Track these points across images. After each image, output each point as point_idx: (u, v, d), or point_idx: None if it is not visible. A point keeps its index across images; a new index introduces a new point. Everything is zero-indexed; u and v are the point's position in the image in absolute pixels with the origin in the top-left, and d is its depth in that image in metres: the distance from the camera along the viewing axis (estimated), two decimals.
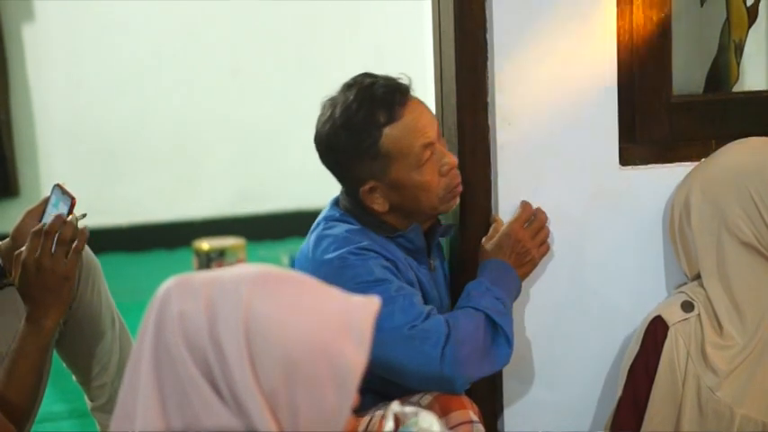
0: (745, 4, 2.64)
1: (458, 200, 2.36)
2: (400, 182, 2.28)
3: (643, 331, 2.40)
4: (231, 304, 1.31)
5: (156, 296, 1.36)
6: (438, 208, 2.34)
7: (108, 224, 5.51)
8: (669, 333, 2.36)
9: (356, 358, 1.32)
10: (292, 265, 2.49)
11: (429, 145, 2.28)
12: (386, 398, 2.22)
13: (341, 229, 2.30)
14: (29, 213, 2.34)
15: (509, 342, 2.27)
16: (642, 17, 2.51)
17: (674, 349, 2.36)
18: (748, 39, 2.66)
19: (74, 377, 2.69)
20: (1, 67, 5.44)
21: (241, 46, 5.72)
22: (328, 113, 2.29)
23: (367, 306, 1.37)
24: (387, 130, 2.26)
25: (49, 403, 3.37)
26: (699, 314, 2.36)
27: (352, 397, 1.32)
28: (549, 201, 2.45)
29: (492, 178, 2.49)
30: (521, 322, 2.50)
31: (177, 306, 1.33)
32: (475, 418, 2.19)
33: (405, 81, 2.31)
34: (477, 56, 2.45)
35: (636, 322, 2.46)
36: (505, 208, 2.45)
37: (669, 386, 2.36)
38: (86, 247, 2.55)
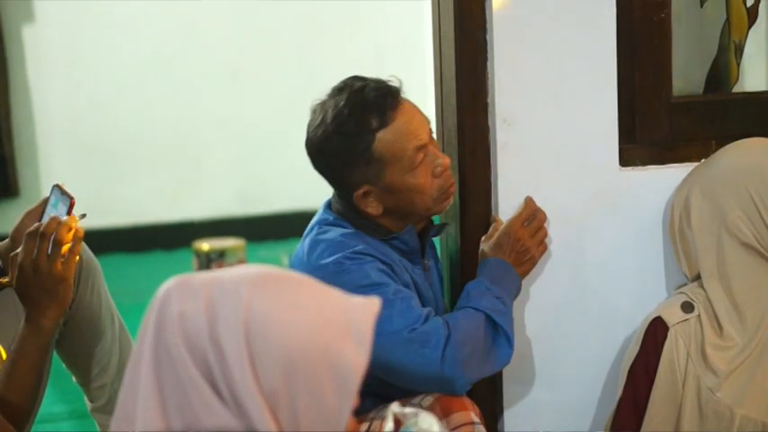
0: (745, 4, 2.64)
1: (452, 200, 2.36)
2: (394, 185, 2.27)
3: (643, 332, 2.40)
4: (231, 305, 1.31)
5: (156, 297, 1.36)
6: (432, 209, 2.34)
7: (108, 225, 5.51)
8: (669, 334, 2.36)
9: (356, 359, 1.32)
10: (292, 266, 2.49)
11: (422, 147, 2.27)
12: (386, 400, 2.21)
13: (335, 233, 2.29)
14: (28, 214, 2.34)
15: (510, 342, 2.27)
16: (642, 17, 2.50)
17: (674, 350, 2.36)
18: (748, 39, 2.66)
19: (74, 378, 2.69)
20: (1, 68, 5.45)
21: (241, 46, 5.73)
22: (319, 119, 2.27)
23: (367, 307, 1.37)
24: (379, 135, 2.24)
25: (49, 404, 3.38)
26: (699, 315, 2.36)
27: (352, 398, 1.32)
28: (549, 201, 2.45)
29: (492, 179, 2.49)
30: (521, 322, 2.50)
31: (177, 307, 1.33)
32: (476, 419, 2.18)
33: (395, 83, 2.30)
34: (477, 56, 2.45)
35: (636, 323, 2.46)
36: (505, 208, 2.45)
37: (669, 387, 2.36)
38: (86, 248, 2.56)
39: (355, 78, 2.30)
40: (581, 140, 2.49)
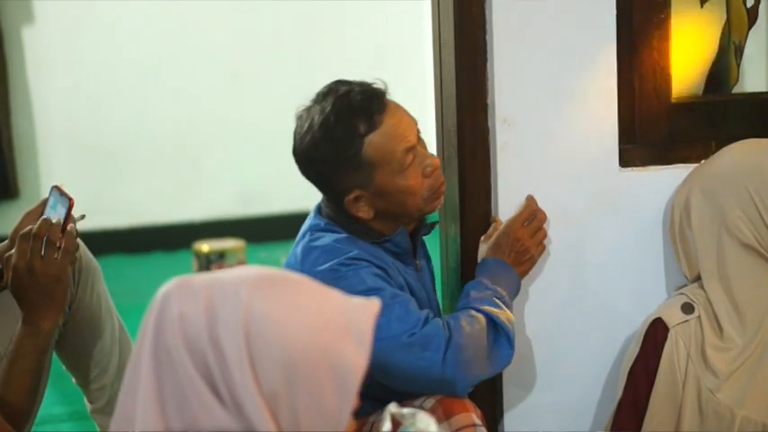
0: (745, 5, 2.63)
1: (442, 199, 2.36)
2: (385, 188, 2.26)
3: (643, 333, 2.40)
4: (231, 306, 1.31)
5: (156, 298, 1.36)
6: (424, 209, 2.33)
7: (108, 226, 5.51)
8: (669, 335, 2.36)
9: (356, 359, 1.32)
10: None
11: (411, 148, 2.27)
12: (385, 404, 2.21)
13: (328, 239, 2.29)
14: (27, 215, 2.34)
15: (510, 342, 2.27)
16: (642, 18, 2.50)
17: (674, 351, 2.36)
18: (748, 40, 2.66)
19: (73, 379, 2.69)
20: (1, 69, 5.45)
21: (241, 46, 5.73)
22: (306, 126, 2.26)
23: (367, 307, 1.37)
24: (368, 139, 2.23)
25: (49, 405, 3.37)
26: (699, 316, 2.36)
27: (352, 398, 1.32)
28: (549, 202, 2.45)
29: (492, 179, 2.49)
30: (521, 323, 2.50)
31: (177, 308, 1.33)
32: (478, 421, 2.18)
33: (380, 86, 2.29)
34: (477, 57, 2.44)
35: (636, 324, 2.46)
36: (505, 209, 2.45)
37: (669, 388, 2.36)
38: (86, 249, 2.56)
39: (339, 83, 2.29)
40: (581, 141, 2.49)
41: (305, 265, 2.25)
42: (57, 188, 2.28)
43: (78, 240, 2.33)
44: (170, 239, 5.71)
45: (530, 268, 2.39)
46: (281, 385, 1.29)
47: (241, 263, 5.09)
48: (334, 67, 5.35)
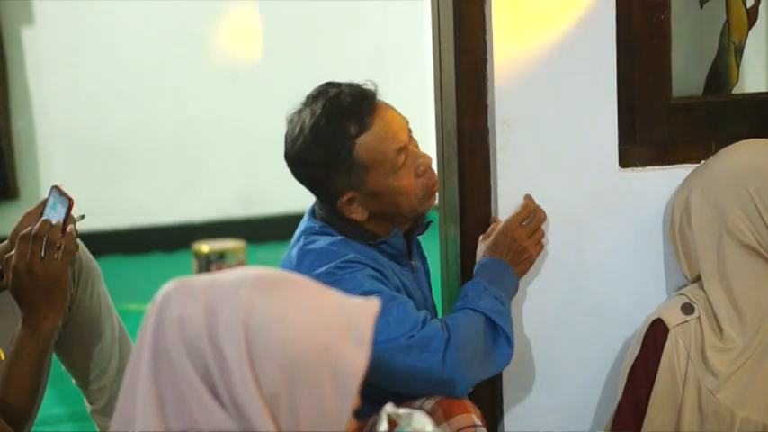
0: (744, 5, 2.64)
1: (436, 198, 2.35)
2: (378, 189, 2.26)
3: (643, 333, 2.40)
4: (231, 307, 1.32)
5: (156, 300, 1.36)
6: (418, 209, 2.33)
7: (107, 226, 5.51)
8: (669, 335, 2.36)
9: (356, 359, 1.32)
10: None
11: (402, 149, 2.27)
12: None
13: (323, 242, 2.28)
14: (27, 215, 2.34)
15: (509, 342, 2.26)
16: (642, 18, 2.50)
17: (674, 352, 2.35)
18: (748, 40, 2.65)
19: (73, 380, 2.69)
20: (1, 70, 5.44)
21: (241, 47, 5.72)
22: (297, 129, 2.26)
23: (366, 307, 1.37)
24: (359, 141, 2.23)
25: (49, 406, 3.37)
26: (699, 316, 2.36)
27: (352, 398, 1.32)
28: (548, 203, 2.45)
29: (492, 180, 2.49)
30: (521, 324, 2.50)
31: (177, 310, 1.33)
32: (478, 421, 2.18)
33: (370, 87, 2.29)
34: (477, 57, 2.44)
35: (636, 324, 2.46)
36: (505, 210, 2.45)
37: (669, 388, 2.36)
38: (85, 250, 2.56)
39: (329, 85, 2.29)
40: (581, 142, 2.48)
41: (301, 269, 2.25)
42: (56, 188, 2.28)
43: (78, 241, 2.33)
44: (170, 240, 5.70)
45: (528, 268, 2.39)
46: (281, 386, 1.29)
47: (241, 263, 5.09)
48: (334, 67, 5.35)
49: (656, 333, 2.38)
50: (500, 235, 2.37)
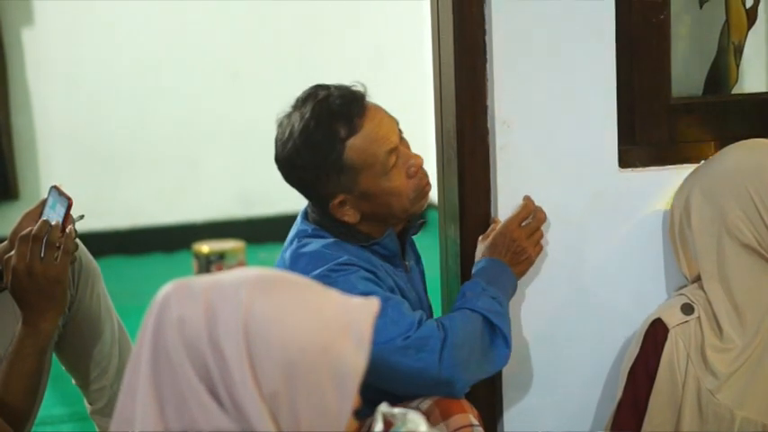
0: (744, 6, 2.64)
1: (428, 198, 2.35)
2: (370, 191, 2.26)
3: (643, 333, 2.40)
4: (231, 307, 1.32)
5: (156, 300, 1.36)
6: (410, 210, 2.33)
7: (107, 227, 5.51)
8: (669, 336, 2.36)
9: (356, 359, 1.33)
10: None
11: (393, 150, 2.26)
12: None
13: (316, 245, 2.28)
14: (27, 215, 2.34)
15: (507, 342, 2.26)
16: (641, 19, 2.50)
17: (673, 352, 2.36)
18: (747, 41, 2.66)
19: (73, 380, 2.69)
20: (1, 71, 5.45)
21: (241, 46, 5.73)
22: (287, 132, 2.26)
23: (366, 307, 1.38)
24: (349, 143, 2.22)
25: (49, 406, 3.37)
26: (699, 317, 2.36)
27: (352, 398, 1.32)
28: (548, 203, 2.45)
29: (491, 181, 2.49)
30: (521, 324, 2.51)
31: (176, 311, 1.33)
32: (475, 421, 2.18)
33: (359, 88, 2.28)
34: (476, 58, 2.44)
35: (636, 324, 2.46)
36: (505, 210, 2.45)
37: (669, 388, 2.36)
38: (85, 251, 2.57)
39: (318, 87, 2.28)
40: (580, 142, 2.49)
41: (294, 272, 2.24)
42: (56, 188, 2.28)
43: (77, 241, 2.33)
44: (170, 240, 5.71)
45: (527, 268, 2.39)
46: (281, 385, 1.30)
47: (241, 264, 5.09)
48: (334, 67, 5.37)
49: (655, 333, 2.38)
50: (499, 235, 2.37)
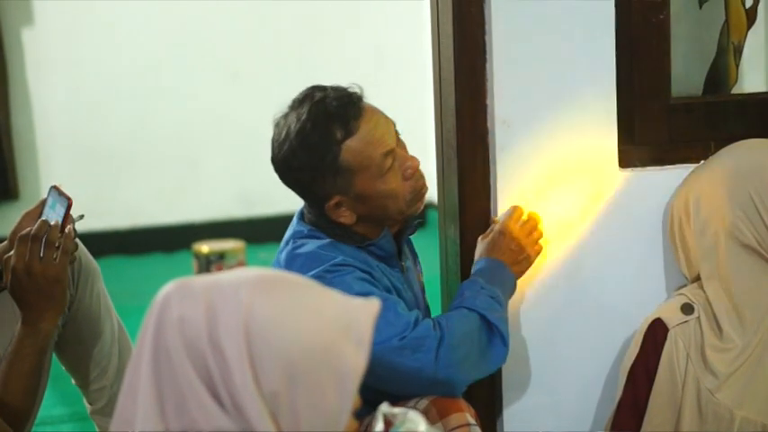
0: (743, 5, 2.64)
1: (425, 200, 2.35)
2: (365, 193, 2.26)
3: (643, 333, 2.40)
4: (231, 308, 1.32)
5: (156, 300, 1.36)
6: (406, 212, 2.32)
7: (107, 227, 5.51)
8: (669, 335, 2.36)
9: (356, 360, 1.33)
10: None
11: (389, 152, 2.26)
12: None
13: (312, 246, 2.28)
14: (27, 215, 2.34)
15: (505, 341, 2.26)
16: (641, 19, 2.51)
17: (673, 351, 2.36)
18: (747, 41, 2.66)
19: (73, 380, 2.69)
20: (1, 71, 5.45)
21: (241, 46, 5.73)
22: (283, 133, 2.25)
23: (366, 307, 1.38)
24: (345, 145, 2.22)
25: (49, 406, 3.38)
26: (698, 317, 2.36)
27: (352, 398, 1.33)
28: (548, 203, 2.45)
29: (491, 181, 2.49)
30: (520, 324, 2.51)
31: (177, 310, 1.33)
32: (472, 420, 2.18)
33: (356, 90, 2.28)
34: (476, 58, 2.44)
35: (635, 324, 2.46)
36: (505, 210, 2.45)
37: (669, 388, 2.36)
38: (85, 251, 2.57)
39: (315, 88, 2.28)
40: (580, 142, 2.49)
41: None
42: (55, 188, 2.29)
43: (77, 241, 2.33)
44: (170, 240, 5.71)
45: (526, 268, 2.39)
46: (281, 386, 1.30)
47: (241, 264, 5.09)
48: (334, 67, 5.37)
49: (655, 333, 2.38)
50: (497, 234, 2.37)
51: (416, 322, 2.20)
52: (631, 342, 2.45)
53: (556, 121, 2.47)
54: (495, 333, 2.25)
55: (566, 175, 2.49)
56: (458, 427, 2.15)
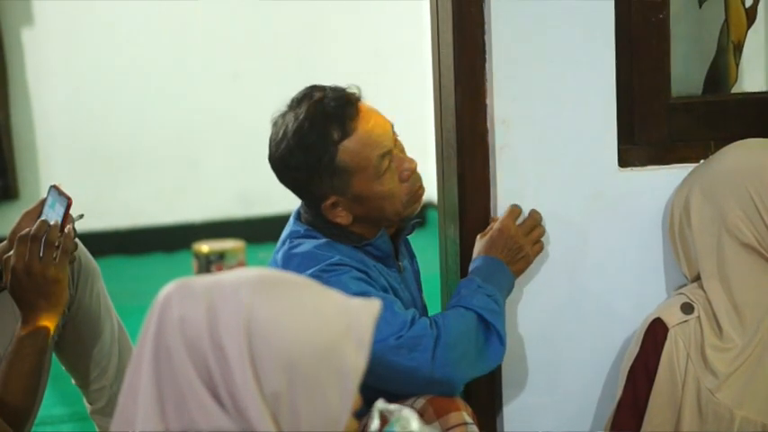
0: (743, 5, 2.64)
1: (422, 202, 2.35)
2: (362, 194, 2.26)
3: (643, 333, 2.40)
4: (232, 308, 1.32)
5: (157, 300, 1.36)
6: (402, 213, 2.32)
7: (107, 227, 5.51)
8: (669, 335, 2.36)
9: (356, 360, 1.34)
10: None
11: (386, 154, 2.26)
12: None
13: (308, 245, 2.28)
14: (26, 215, 2.34)
15: (502, 340, 2.26)
16: (641, 18, 2.51)
17: (673, 351, 2.36)
18: (747, 40, 2.66)
19: (73, 380, 2.69)
20: (1, 71, 5.45)
21: (241, 47, 5.73)
22: (281, 133, 2.25)
23: (367, 308, 1.38)
24: (342, 146, 2.22)
25: (49, 406, 3.37)
26: (698, 316, 2.36)
27: (352, 398, 1.33)
28: (548, 202, 2.45)
29: (491, 180, 2.49)
30: (520, 324, 2.51)
31: (178, 310, 1.33)
32: (469, 419, 2.18)
33: (354, 90, 2.28)
34: (476, 57, 2.44)
35: (635, 324, 2.47)
36: (504, 210, 2.45)
37: (669, 388, 2.36)
38: (85, 251, 2.57)
39: (314, 88, 2.29)
40: (580, 141, 2.49)
41: None
42: (55, 187, 2.29)
43: (77, 241, 2.33)
44: (169, 240, 5.70)
45: (525, 267, 2.39)
46: (282, 386, 1.30)
47: (241, 263, 5.09)
48: (334, 67, 5.37)
49: (655, 332, 2.38)
50: (495, 233, 2.37)
51: (413, 321, 2.20)
52: (631, 342, 2.45)
53: (556, 121, 2.47)
54: (492, 332, 2.25)
55: (565, 174, 2.49)
56: (455, 426, 2.15)
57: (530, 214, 2.41)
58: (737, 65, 2.66)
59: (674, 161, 2.54)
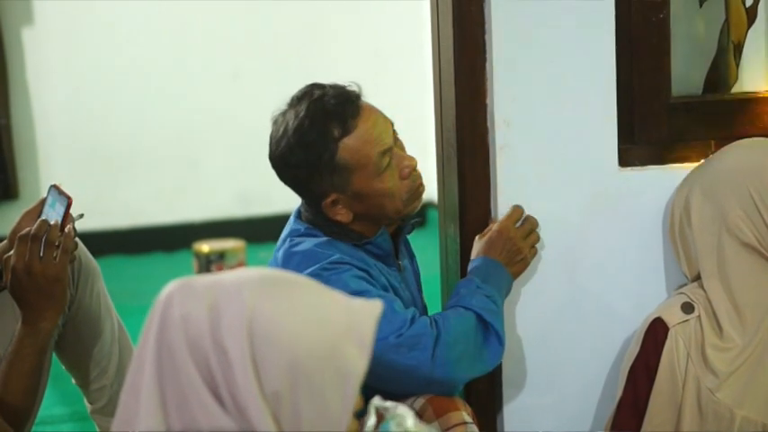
0: (744, 4, 2.64)
1: (422, 199, 2.35)
2: (362, 191, 2.26)
3: (643, 332, 2.40)
4: (234, 308, 1.32)
5: (159, 299, 1.36)
6: (402, 211, 2.33)
7: (108, 227, 5.51)
8: (669, 335, 2.36)
9: (358, 360, 1.34)
10: None
11: (386, 151, 2.26)
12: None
13: (308, 244, 2.28)
14: (26, 214, 2.34)
15: (501, 340, 2.26)
16: (641, 18, 2.51)
17: (674, 351, 2.36)
18: (747, 40, 2.66)
19: (73, 380, 2.69)
20: (1, 71, 5.45)
21: (241, 47, 5.73)
22: (281, 131, 2.26)
23: (368, 309, 1.38)
24: (342, 144, 2.23)
25: (49, 406, 3.37)
26: (699, 316, 2.36)
27: (353, 399, 1.33)
28: (548, 202, 2.45)
29: (491, 180, 2.49)
30: (520, 323, 2.51)
31: (179, 310, 1.33)
32: (468, 419, 2.18)
33: (354, 88, 2.28)
34: (476, 57, 2.45)
35: (635, 324, 2.47)
36: (505, 210, 2.45)
37: (669, 388, 2.36)
38: (85, 250, 2.57)
39: (314, 86, 2.29)
40: (580, 141, 2.49)
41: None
42: (55, 187, 2.29)
43: (77, 240, 2.33)
44: (170, 240, 5.70)
45: (522, 269, 2.39)
46: (283, 386, 1.30)
47: (241, 263, 5.09)
48: (334, 67, 5.36)
49: (655, 332, 2.38)
50: (494, 234, 2.38)
51: (413, 320, 2.21)
52: (631, 341, 2.45)
53: (556, 121, 2.47)
54: (490, 332, 2.26)
55: (566, 174, 2.49)
56: (454, 426, 2.16)
57: (528, 218, 2.41)
58: (737, 65, 2.66)
59: (674, 161, 2.55)
